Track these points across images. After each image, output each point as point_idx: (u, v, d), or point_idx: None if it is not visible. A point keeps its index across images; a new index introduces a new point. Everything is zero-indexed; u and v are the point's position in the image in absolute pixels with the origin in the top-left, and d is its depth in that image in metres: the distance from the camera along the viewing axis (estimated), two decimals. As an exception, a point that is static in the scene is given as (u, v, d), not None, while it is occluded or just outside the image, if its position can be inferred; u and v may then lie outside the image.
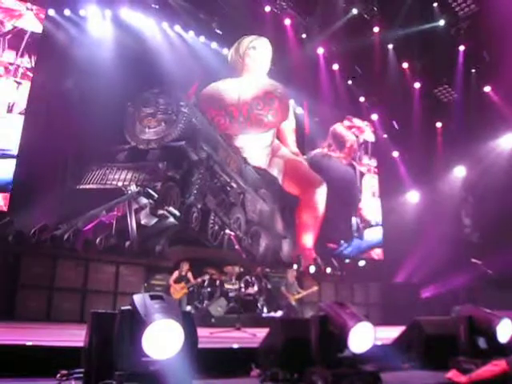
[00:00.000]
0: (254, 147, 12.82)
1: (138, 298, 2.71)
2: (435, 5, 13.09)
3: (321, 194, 13.69)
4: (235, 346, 4.22)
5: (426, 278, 12.86)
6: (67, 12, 11.15)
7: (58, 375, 2.98)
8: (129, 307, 2.72)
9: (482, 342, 4.11)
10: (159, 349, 2.56)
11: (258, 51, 12.99)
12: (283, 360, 3.52)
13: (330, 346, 3.33)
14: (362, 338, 3.26)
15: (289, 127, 13.85)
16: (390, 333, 5.13)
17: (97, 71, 10.44)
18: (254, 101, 12.72)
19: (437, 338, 4.32)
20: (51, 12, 10.92)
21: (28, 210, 9.38)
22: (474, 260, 9.78)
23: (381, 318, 11.22)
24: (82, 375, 2.86)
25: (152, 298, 2.71)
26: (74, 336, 4.23)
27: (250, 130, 12.74)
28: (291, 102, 14.07)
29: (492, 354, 3.81)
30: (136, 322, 2.60)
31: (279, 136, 13.67)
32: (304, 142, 14.35)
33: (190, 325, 2.89)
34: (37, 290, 8.66)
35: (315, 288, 10.94)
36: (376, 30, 13.59)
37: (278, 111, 12.98)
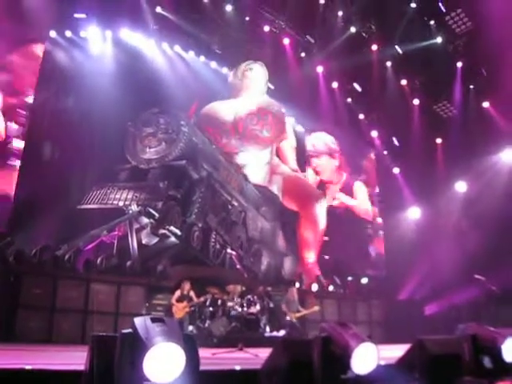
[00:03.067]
0: (253, 165, 12.87)
1: (138, 321, 2.69)
2: (432, 22, 13.26)
3: (321, 208, 13.69)
4: (237, 367, 4.17)
5: (429, 295, 12.77)
6: (68, 33, 11.30)
7: (58, 400, 2.94)
8: (130, 330, 2.70)
9: (487, 362, 4.05)
10: (160, 372, 2.53)
11: (255, 72, 13.37)
12: (286, 382, 3.47)
13: (332, 367, 3.28)
14: (365, 358, 3.22)
15: (288, 145, 13.95)
16: (394, 352, 5.07)
17: (97, 91, 10.53)
18: (248, 117, 12.98)
19: (441, 358, 4.26)
20: (52, 33, 11.06)
21: (29, 230, 9.38)
22: (477, 276, 9.72)
23: (384, 336, 11.11)
24: (82, 400, 2.83)
25: (153, 320, 2.68)
26: (74, 358, 4.19)
27: (247, 146, 12.85)
28: (291, 120, 14.17)
29: (498, 373, 3.76)
30: (137, 346, 2.57)
31: (279, 154, 13.74)
32: (304, 159, 14.40)
33: (192, 347, 2.86)
34: (37, 310, 8.59)
35: (316, 308, 10.86)
36: (374, 47, 13.75)
37: (273, 126, 13.17)
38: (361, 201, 15.33)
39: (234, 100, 13.26)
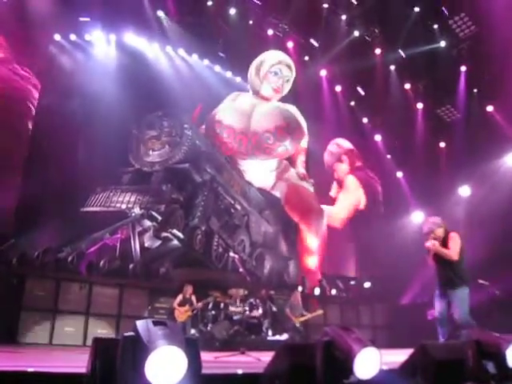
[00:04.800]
0: (259, 171, 12.68)
1: (140, 324, 2.69)
2: (436, 26, 13.26)
3: (320, 224, 13.19)
4: (239, 371, 4.15)
5: (432, 299, 12.70)
6: (73, 37, 11.37)
7: (60, 403, 2.94)
8: (132, 333, 2.69)
9: (490, 367, 4.03)
10: (162, 376, 2.52)
11: (279, 76, 12.06)
12: (288, 386, 3.45)
13: (335, 371, 3.27)
14: (368, 363, 3.20)
15: (301, 148, 13.63)
16: (397, 356, 5.04)
17: (101, 94, 10.58)
18: (264, 134, 11.93)
19: (444, 363, 4.24)
20: (57, 37, 11.12)
21: (32, 233, 9.40)
22: (481, 281, 9.66)
23: (387, 341, 11.08)
24: (83, 403, 2.82)
25: (155, 324, 2.68)
26: (76, 361, 4.19)
27: (258, 157, 12.30)
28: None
29: (502, 378, 3.74)
30: (139, 349, 2.57)
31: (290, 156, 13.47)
32: (307, 165, 14.31)
33: (194, 351, 2.85)
34: (40, 312, 8.63)
35: (320, 312, 10.84)
36: (378, 51, 13.75)
37: (289, 148, 12.26)
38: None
39: (248, 103, 12.28)
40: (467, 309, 6.03)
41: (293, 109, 12.29)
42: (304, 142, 12.81)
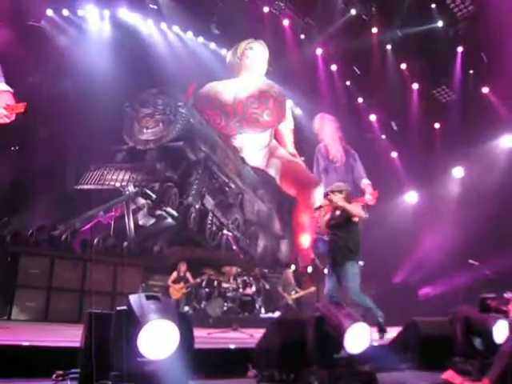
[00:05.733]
0: (251, 147, 12.77)
1: (134, 299, 2.72)
2: (433, 6, 13.11)
3: (318, 195, 13.52)
4: (232, 346, 4.22)
5: (423, 279, 12.87)
6: (65, 12, 11.15)
7: (54, 375, 2.98)
8: (125, 307, 2.73)
9: (478, 343, 4.11)
10: (155, 349, 2.56)
11: (255, 51, 12.66)
12: (279, 361, 3.52)
13: (326, 346, 3.33)
14: (358, 338, 3.26)
15: (286, 128, 13.80)
16: (388, 333, 5.14)
17: (95, 71, 10.43)
18: (248, 99, 12.33)
19: (433, 339, 4.33)
20: (49, 12, 10.91)
21: (26, 211, 9.39)
22: (471, 261, 9.79)
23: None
24: (77, 375, 2.87)
25: (148, 298, 2.71)
26: (70, 336, 4.23)
27: (247, 129, 12.59)
28: (289, 103, 14.05)
29: (488, 354, 3.82)
30: (132, 323, 2.61)
31: (277, 137, 13.63)
32: (302, 142, 14.32)
33: (187, 325, 2.90)
34: (34, 290, 8.65)
35: (312, 289, 10.93)
36: (374, 30, 13.59)
37: (274, 110, 12.75)
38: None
39: (233, 80, 12.93)
40: (358, 285, 5.63)
41: (277, 86, 12.70)
42: (290, 124, 13.07)
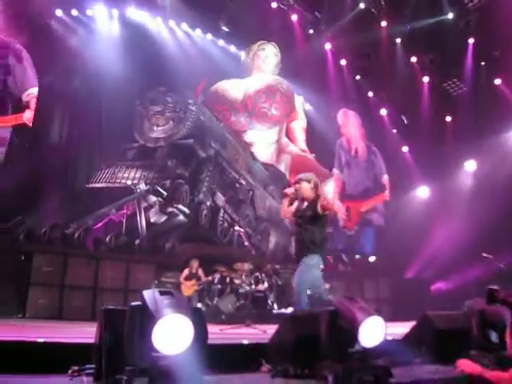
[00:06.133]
0: (261, 143, 12.82)
1: (147, 294, 2.72)
2: (444, -3, 12.98)
3: (328, 188, 13.55)
4: (245, 341, 4.22)
5: (436, 274, 12.78)
6: (74, 12, 11.20)
7: (70, 371, 3.00)
8: (139, 303, 2.73)
9: (494, 336, 4.07)
10: (169, 344, 2.56)
11: (267, 52, 13.25)
12: (293, 355, 3.51)
13: (340, 340, 3.31)
14: (373, 332, 3.24)
15: (298, 126, 13.81)
16: (401, 328, 5.10)
17: (104, 70, 10.49)
18: (257, 94, 12.84)
19: (448, 333, 4.29)
20: (59, 12, 10.97)
21: (39, 209, 9.46)
22: (484, 254, 9.69)
23: (391, 314, 11.14)
24: (93, 371, 2.88)
25: (162, 293, 2.71)
26: (85, 333, 4.26)
27: (256, 124, 12.75)
28: (299, 99, 14.01)
29: (503, 347, 3.78)
30: (146, 318, 2.61)
31: (289, 134, 13.65)
32: (314, 139, 14.29)
33: (200, 320, 2.89)
34: (48, 288, 8.72)
35: (327, 285, 10.87)
36: (384, 24, 13.49)
37: (281, 105, 13.05)
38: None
39: (243, 79, 13.17)
40: (309, 279, 5.08)
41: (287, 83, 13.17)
42: (303, 122, 13.11)
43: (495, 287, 4.35)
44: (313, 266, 5.06)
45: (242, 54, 13.38)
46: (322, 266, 5.12)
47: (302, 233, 5.17)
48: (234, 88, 12.91)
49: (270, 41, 13.39)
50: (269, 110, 12.78)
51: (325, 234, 5.30)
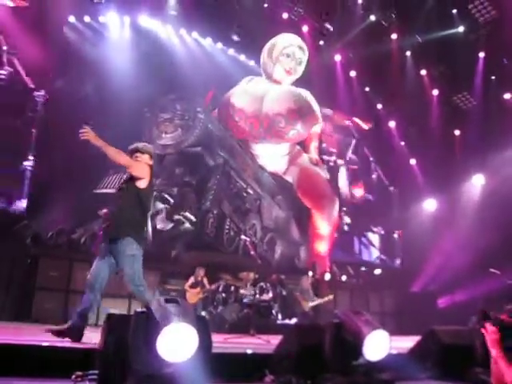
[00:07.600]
0: (272, 155, 12.58)
1: (153, 301, 2.73)
2: (454, 11, 13.01)
3: (332, 211, 12.91)
4: (249, 351, 4.20)
5: (443, 288, 12.69)
6: (87, 19, 11.34)
7: (73, 376, 3.00)
8: (144, 310, 2.74)
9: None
10: (173, 351, 2.57)
11: (291, 58, 11.86)
12: (297, 366, 3.49)
13: (344, 353, 3.30)
14: (377, 345, 3.23)
15: (314, 133, 13.42)
16: (406, 343, 5.07)
17: (115, 77, 10.58)
18: (276, 117, 11.71)
19: (453, 348, 4.25)
20: (71, 18, 11.10)
21: (45, 214, 9.50)
22: (492, 270, 9.61)
23: (396, 328, 11.08)
24: (96, 377, 2.88)
25: (167, 301, 2.72)
26: (89, 338, 4.27)
27: (270, 141, 12.16)
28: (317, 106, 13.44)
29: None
30: (151, 325, 2.61)
31: (303, 141, 13.34)
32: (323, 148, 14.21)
33: (205, 329, 2.90)
34: (53, 292, 8.74)
35: (331, 297, 10.80)
36: (394, 36, 13.54)
37: (301, 132, 12.04)
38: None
39: (261, 87, 12.03)
40: (141, 274, 4.59)
41: (305, 93, 12.04)
42: (317, 128, 12.61)
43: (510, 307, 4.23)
44: (134, 257, 4.68)
45: (263, 50, 11.94)
46: None
47: (116, 210, 4.74)
48: (250, 100, 11.85)
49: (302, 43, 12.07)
50: (286, 134, 11.98)
51: (142, 212, 4.80)
